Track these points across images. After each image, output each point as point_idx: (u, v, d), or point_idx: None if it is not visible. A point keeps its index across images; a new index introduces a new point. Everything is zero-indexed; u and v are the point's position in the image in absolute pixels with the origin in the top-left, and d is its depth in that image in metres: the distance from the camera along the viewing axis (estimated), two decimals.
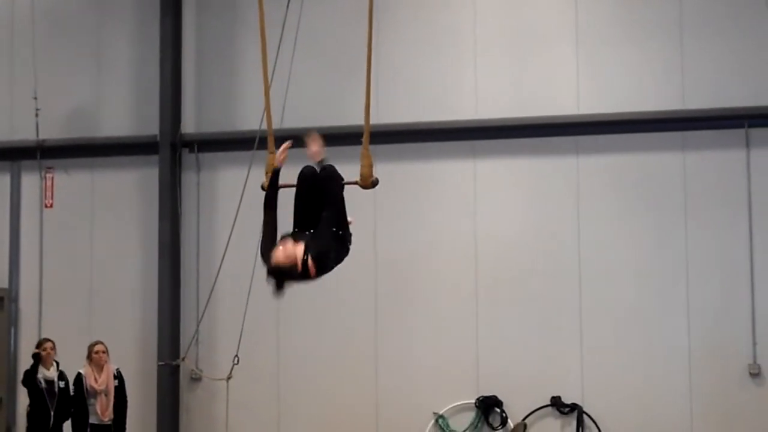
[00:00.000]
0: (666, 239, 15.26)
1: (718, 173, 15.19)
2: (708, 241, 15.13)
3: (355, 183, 9.32)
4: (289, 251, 8.40)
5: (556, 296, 15.47)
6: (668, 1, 15.41)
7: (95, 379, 14.26)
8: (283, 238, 8.56)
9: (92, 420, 14.24)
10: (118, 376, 14.51)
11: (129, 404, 14.68)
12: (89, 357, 14.40)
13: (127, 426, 14.70)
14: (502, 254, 15.64)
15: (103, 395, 14.27)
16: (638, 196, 15.38)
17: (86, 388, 14.23)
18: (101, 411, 14.25)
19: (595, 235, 15.42)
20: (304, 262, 8.42)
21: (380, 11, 15.63)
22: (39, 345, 14.50)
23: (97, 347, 14.44)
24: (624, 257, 15.34)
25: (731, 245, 15.08)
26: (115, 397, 14.37)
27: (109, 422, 14.29)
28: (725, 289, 15.08)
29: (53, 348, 14.41)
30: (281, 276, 8.53)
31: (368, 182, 9.37)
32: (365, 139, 9.32)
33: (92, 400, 14.23)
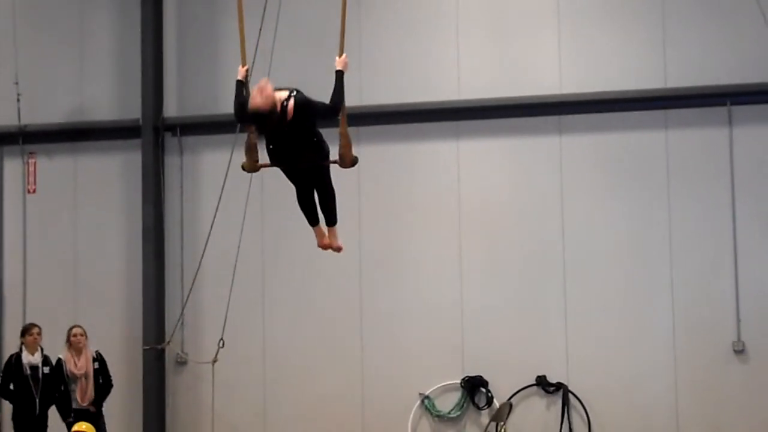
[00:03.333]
0: (649, 217, 15.29)
1: (701, 151, 15.23)
2: (691, 218, 15.17)
3: (335, 162, 9.30)
4: (267, 92, 8.49)
5: (540, 276, 15.50)
6: None
7: (74, 364, 14.25)
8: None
9: (73, 405, 14.23)
10: (98, 359, 14.49)
11: (115, 388, 14.68)
12: (68, 341, 14.39)
13: (114, 410, 14.72)
14: (487, 235, 15.66)
15: (83, 379, 14.26)
16: (621, 175, 15.41)
17: (66, 374, 14.22)
18: (80, 396, 14.25)
19: (578, 214, 15.44)
20: (284, 105, 8.56)
21: None
22: (26, 330, 14.48)
23: (75, 330, 14.43)
24: (608, 236, 15.38)
25: (715, 223, 15.12)
26: (96, 379, 14.35)
27: (89, 407, 14.26)
28: (709, 266, 15.13)
29: (39, 333, 14.40)
30: (262, 119, 8.61)
31: (348, 161, 9.36)
32: (342, 119, 9.33)
33: (73, 386, 14.23)
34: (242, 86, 9.24)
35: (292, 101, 8.63)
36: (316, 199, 9.45)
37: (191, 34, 16.71)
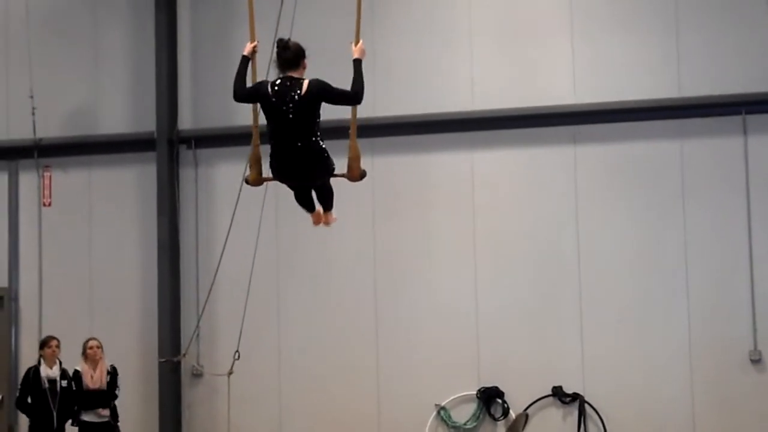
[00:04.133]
0: (664, 227, 15.26)
1: (716, 161, 15.19)
2: (706, 228, 15.14)
3: (343, 176, 9.24)
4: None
5: (556, 286, 15.48)
6: None
7: (90, 377, 14.27)
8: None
9: (88, 418, 14.25)
10: (111, 372, 14.50)
11: (130, 401, 14.69)
12: (84, 354, 14.41)
13: (130, 423, 14.74)
14: (501, 245, 15.64)
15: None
16: (636, 185, 15.38)
17: (82, 387, 14.25)
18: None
19: (593, 225, 15.42)
20: (299, 85, 8.63)
21: (375, 4, 15.68)
22: (44, 343, 14.50)
23: (91, 343, 14.46)
24: (623, 246, 15.35)
25: (730, 232, 15.08)
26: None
27: (106, 419, 14.28)
28: (725, 276, 15.09)
29: (58, 346, 14.42)
30: (292, 56, 8.71)
31: (356, 174, 9.26)
32: (352, 131, 9.22)
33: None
34: (247, 63, 9.03)
35: (306, 82, 8.57)
36: (314, 194, 9.44)
37: (206, 47, 16.74)
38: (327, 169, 8.89)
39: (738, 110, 15.10)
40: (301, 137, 8.62)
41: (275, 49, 8.76)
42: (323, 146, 8.76)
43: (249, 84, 9.03)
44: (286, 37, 8.92)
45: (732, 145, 15.13)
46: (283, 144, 8.66)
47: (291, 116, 8.57)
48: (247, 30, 9.35)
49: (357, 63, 8.79)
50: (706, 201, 15.16)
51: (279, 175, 8.88)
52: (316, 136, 8.70)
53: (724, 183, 15.13)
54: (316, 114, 8.66)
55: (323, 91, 8.58)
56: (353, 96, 8.68)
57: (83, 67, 17.01)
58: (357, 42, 8.99)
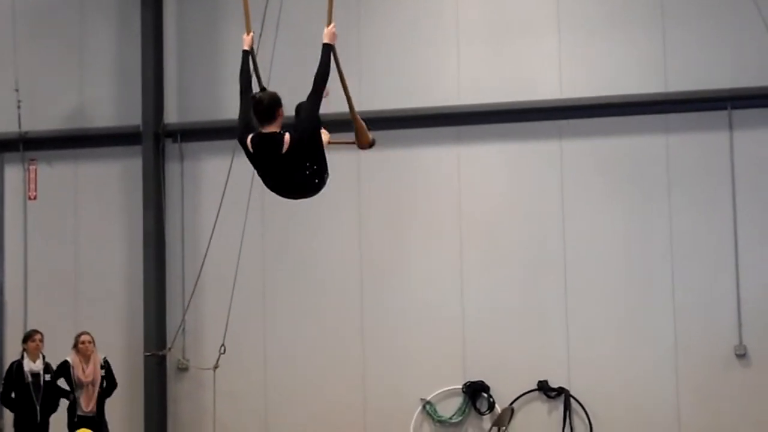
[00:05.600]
0: (650, 222, 15.29)
1: (702, 155, 15.22)
2: (692, 223, 15.17)
3: (352, 143, 9.22)
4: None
5: (541, 280, 15.50)
6: None
7: (82, 371, 14.21)
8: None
9: (77, 412, 14.19)
10: (105, 365, 14.46)
11: (116, 394, 14.65)
12: (75, 347, 14.33)
13: (116, 416, 14.69)
14: (488, 240, 15.66)
15: (89, 386, 14.22)
16: (622, 180, 15.40)
17: (73, 379, 14.19)
18: (86, 403, 14.18)
19: (579, 219, 15.44)
20: (279, 137, 8.18)
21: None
22: (28, 337, 14.43)
23: (83, 337, 14.37)
24: (608, 240, 15.37)
25: (715, 227, 15.11)
26: (101, 385, 14.32)
27: (92, 414, 14.22)
28: (710, 270, 15.11)
29: (41, 340, 14.35)
30: (267, 108, 8.29)
31: (365, 142, 9.23)
32: (350, 104, 9.09)
33: (79, 392, 14.18)
34: (248, 56, 8.90)
35: (287, 135, 8.18)
36: None
37: (191, 40, 16.71)
38: (321, 177, 8.49)
39: (723, 105, 15.13)
40: (293, 177, 8.36)
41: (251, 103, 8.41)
42: (315, 170, 8.41)
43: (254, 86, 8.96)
44: (257, 93, 8.61)
45: (718, 139, 15.16)
46: (273, 182, 8.46)
47: (277, 171, 8.33)
48: (233, 23, 9.33)
49: (325, 48, 8.43)
50: (692, 196, 15.18)
51: (270, 187, 8.54)
52: (311, 170, 8.39)
53: (710, 178, 15.16)
54: (305, 156, 8.29)
55: (302, 131, 8.24)
56: (316, 88, 8.30)
57: (69, 60, 16.97)
58: (329, 23, 8.57)
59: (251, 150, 8.32)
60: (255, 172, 8.48)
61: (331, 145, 8.88)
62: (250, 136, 8.32)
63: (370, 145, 9.35)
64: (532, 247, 15.55)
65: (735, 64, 15.15)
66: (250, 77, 8.85)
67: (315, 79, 8.34)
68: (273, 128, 8.25)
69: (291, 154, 8.19)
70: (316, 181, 8.42)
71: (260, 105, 8.31)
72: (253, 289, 16.03)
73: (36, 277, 16.81)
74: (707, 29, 15.28)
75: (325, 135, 8.63)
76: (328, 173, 8.45)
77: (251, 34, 9.06)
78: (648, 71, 15.39)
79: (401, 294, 15.82)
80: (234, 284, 14.75)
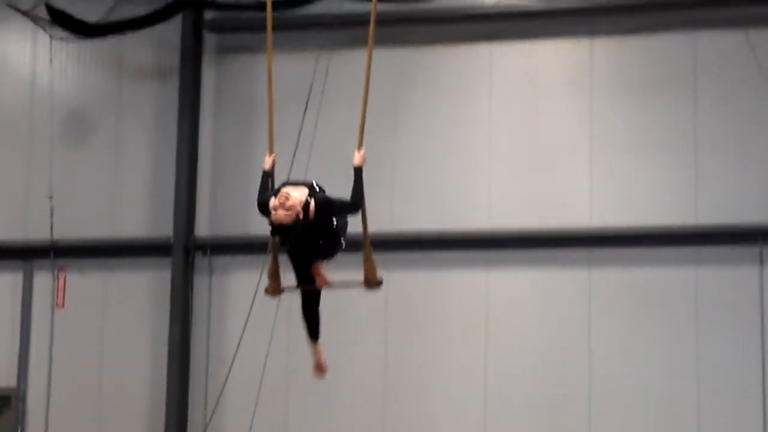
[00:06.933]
0: (677, 354, 15.16)
1: (731, 290, 15.13)
2: (719, 358, 15.03)
3: (360, 285, 9.18)
4: (289, 202, 8.37)
5: (566, 409, 15.35)
6: (682, 117, 15.48)
7: None
8: (283, 185, 8.65)
9: None
10: None
11: None
12: None
13: None
14: (513, 366, 15.54)
15: None
16: (650, 311, 15.31)
17: None
18: None
19: (605, 349, 15.32)
20: (306, 204, 8.41)
21: (396, 120, 15.83)
22: None
23: None
24: (634, 372, 15.23)
25: (742, 364, 14.97)
26: None
27: None
28: (736, 408, 14.94)
29: None
30: (285, 232, 8.44)
31: (373, 283, 9.19)
32: (366, 239, 9.12)
33: None
34: (268, 177, 9.06)
35: (313, 203, 8.48)
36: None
37: (226, 153, 16.84)
38: (338, 246, 8.94)
39: (755, 240, 15.08)
40: (315, 244, 8.75)
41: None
42: (337, 234, 8.85)
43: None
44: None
45: (748, 275, 15.08)
46: (299, 249, 8.78)
47: (301, 237, 8.58)
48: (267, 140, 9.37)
49: (357, 171, 8.84)
50: (720, 330, 15.07)
51: (291, 257, 8.92)
52: (333, 232, 8.81)
53: (739, 313, 15.05)
54: (329, 222, 8.71)
55: (329, 207, 8.60)
56: (352, 206, 8.73)
57: (104, 169, 17.12)
58: (360, 148, 9.03)
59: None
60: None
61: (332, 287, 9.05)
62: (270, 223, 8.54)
63: (378, 284, 9.23)
64: (557, 375, 15.42)
65: (767, 198, 15.14)
66: (267, 204, 8.75)
67: (352, 198, 8.69)
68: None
69: (315, 225, 8.50)
70: (336, 242, 8.85)
71: (281, 229, 8.48)
72: (276, 409, 15.91)
73: (59, 386, 16.76)
74: (740, 163, 15.31)
75: (323, 278, 8.84)
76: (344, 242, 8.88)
77: (273, 155, 9.19)
78: (679, 202, 15.40)
79: (424, 419, 15.68)
80: (256, 403, 14.69)
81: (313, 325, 9.45)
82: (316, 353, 9.64)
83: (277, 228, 8.42)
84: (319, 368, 9.74)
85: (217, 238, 16.69)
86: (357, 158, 8.91)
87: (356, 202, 8.72)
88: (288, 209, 8.34)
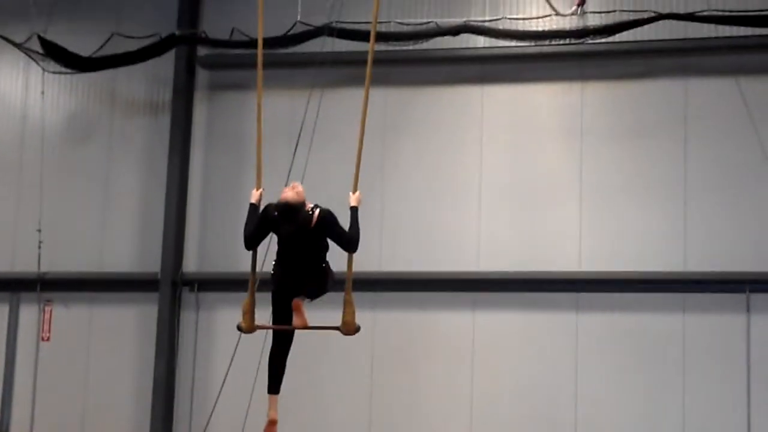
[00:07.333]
0: (664, 400, 15.12)
1: (718, 337, 15.11)
2: (705, 403, 14.99)
3: (337, 329, 9.14)
4: (299, 189, 8.70)
5: None
6: (673, 162, 15.50)
7: None
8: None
9: None
10: None
11: None
12: None
13: None
14: (498, 408, 15.51)
15: None
16: (636, 357, 15.28)
17: None
18: None
19: (592, 393, 15.29)
20: (312, 210, 8.72)
21: (386, 160, 15.84)
22: None
23: None
24: (620, 418, 15.19)
25: (729, 410, 14.93)
26: None
27: None
28: None
29: None
30: (290, 213, 8.65)
31: (351, 329, 9.14)
32: (348, 285, 9.12)
33: None
34: (255, 210, 9.07)
35: (317, 211, 8.72)
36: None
37: (215, 191, 16.86)
38: (323, 288, 9.01)
39: (742, 288, 15.08)
40: (309, 254, 8.83)
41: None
42: (327, 269, 8.97)
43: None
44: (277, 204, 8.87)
45: (735, 322, 15.07)
46: (290, 256, 8.82)
47: (300, 243, 8.73)
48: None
49: (353, 210, 9.05)
50: (707, 376, 15.04)
51: (278, 283, 8.93)
52: (324, 261, 8.94)
53: (726, 360, 15.02)
54: (325, 241, 8.87)
55: (330, 227, 8.77)
56: (349, 240, 8.89)
57: (93, 202, 17.14)
58: (355, 190, 9.20)
59: (280, 220, 8.70)
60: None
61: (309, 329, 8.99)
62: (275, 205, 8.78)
63: (356, 331, 9.19)
64: (543, 419, 15.38)
65: (755, 246, 15.14)
66: (255, 231, 8.95)
67: (350, 235, 8.89)
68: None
69: (316, 233, 8.71)
70: (326, 279, 8.96)
71: (287, 208, 8.68)
72: None
73: (42, 419, 16.70)
74: (729, 211, 15.31)
75: (299, 317, 8.86)
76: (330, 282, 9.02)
77: (260, 190, 9.21)
78: (668, 248, 15.39)
79: None
80: None
81: (278, 373, 9.33)
82: (272, 407, 9.48)
83: (284, 207, 8.63)
84: (272, 424, 9.55)
85: (205, 274, 16.67)
86: (353, 199, 9.13)
87: (353, 239, 8.89)
88: (297, 194, 8.63)
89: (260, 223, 8.89)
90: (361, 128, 9.30)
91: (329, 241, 8.93)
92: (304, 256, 8.82)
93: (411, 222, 16.13)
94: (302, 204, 8.65)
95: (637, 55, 15.83)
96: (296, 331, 9.09)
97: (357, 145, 9.31)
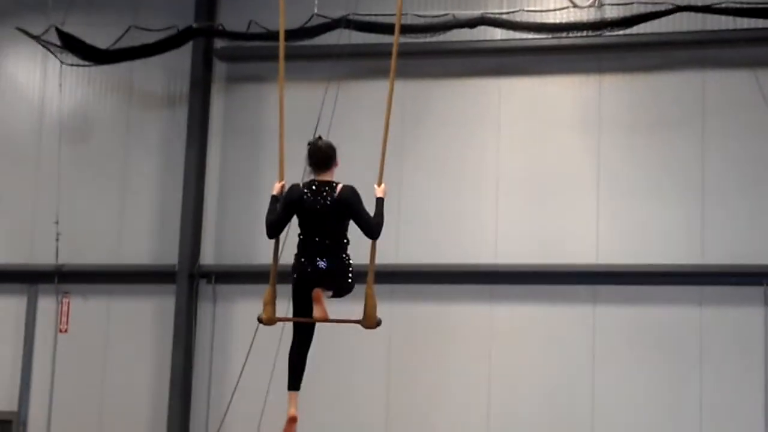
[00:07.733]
0: (680, 393, 15.11)
1: (735, 330, 15.10)
2: (722, 396, 14.98)
3: (358, 322, 9.08)
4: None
5: None
6: (690, 155, 15.47)
7: None
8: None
9: None
10: None
11: None
12: None
13: None
14: (516, 401, 15.50)
15: None
16: (653, 349, 15.27)
17: None
18: None
19: (609, 385, 15.28)
20: (333, 187, 8.83)
21: (404, 153, 15.83)
22: None
23: None
24: (637, 410, 15.18)
25: (746, 402, 14.91)
26: None
27: None
28: None
29: None
30: (319, 157, 8.90)
31: (372, 322, 9.07)
32: (370, 278, 9.03)
33: None
34: (276, 202, 9.03)
35: (341, 185, 8.78)
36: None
37: (233, 182, 16.87)
38: (346, 286, 8.92)
39: (759, 281, 15.05)
40: (331, 237, 8.79)
41: (307, 149, 8.91)
42: (349, 263, 8.88)
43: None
44: (317, 136, 9.07)
45: (752, 315, 15.05)
46: (313, 239, 8.79)
47: (323, 217, 8.72)
48: (275, 169, 9.36)
49: (379, 200, 9.01)
50: (724, 370, 15.02)
51: (299, 273, 8.85)
52: (346, 251, 8.87)
53: (743, 353, 15.00)
54: (347, 221, 8.84)
55: (353, 203, 8.77)
56: (373, 225, 8.83)
57: (111, 194, 17.16)
58: (380, 183, 9.19)
59: (305, 199, 8.76)
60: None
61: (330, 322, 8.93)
62: (304, 183, 8.86)
63: (377, 325, 9.12)
64: (560, 411, 15.38)
65: None
66: (276, 221, 8.95)
67: (374, 220, 8.85)
68: (327, 177, 8.86)
69: (338, 207, 8.74)
70: (349, 274, 8.88)
71: (319, 152, 8.87)
72: None
73: (60, 411, 16.75)
74: (747, 202, 15.28)
75: (319, 308, 8.82)
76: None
77: (282, 182, 9.17)
78: (685, 241, 15.37)
79: None
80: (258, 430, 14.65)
81: (298, 368, 9.12)
82: (292, 404, 9.22)
83: (314, 148, 8.88)
84: (292, 421, 9.29)
85: (222, 266, 16.70)
86: (379, 191, 9.10)
87: (378, 223, 8.84)
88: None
89: (285, 205, 8.85)
90: (386, 121, 9.29)
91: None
92: (327, 233, 8.75)
93: (428, 214, 16.12)
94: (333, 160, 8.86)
95: (655, 47, 15.80)
96: (315, 325, 9.03)
97: (382, 137, 9.27)
